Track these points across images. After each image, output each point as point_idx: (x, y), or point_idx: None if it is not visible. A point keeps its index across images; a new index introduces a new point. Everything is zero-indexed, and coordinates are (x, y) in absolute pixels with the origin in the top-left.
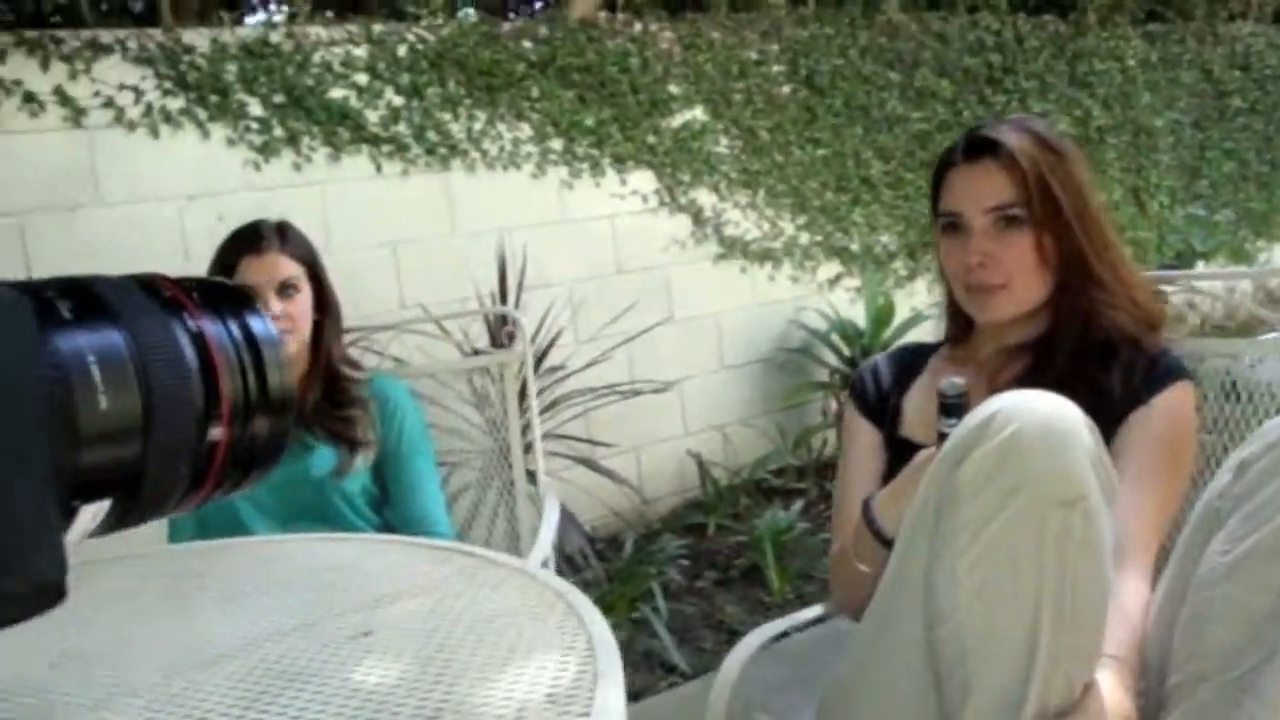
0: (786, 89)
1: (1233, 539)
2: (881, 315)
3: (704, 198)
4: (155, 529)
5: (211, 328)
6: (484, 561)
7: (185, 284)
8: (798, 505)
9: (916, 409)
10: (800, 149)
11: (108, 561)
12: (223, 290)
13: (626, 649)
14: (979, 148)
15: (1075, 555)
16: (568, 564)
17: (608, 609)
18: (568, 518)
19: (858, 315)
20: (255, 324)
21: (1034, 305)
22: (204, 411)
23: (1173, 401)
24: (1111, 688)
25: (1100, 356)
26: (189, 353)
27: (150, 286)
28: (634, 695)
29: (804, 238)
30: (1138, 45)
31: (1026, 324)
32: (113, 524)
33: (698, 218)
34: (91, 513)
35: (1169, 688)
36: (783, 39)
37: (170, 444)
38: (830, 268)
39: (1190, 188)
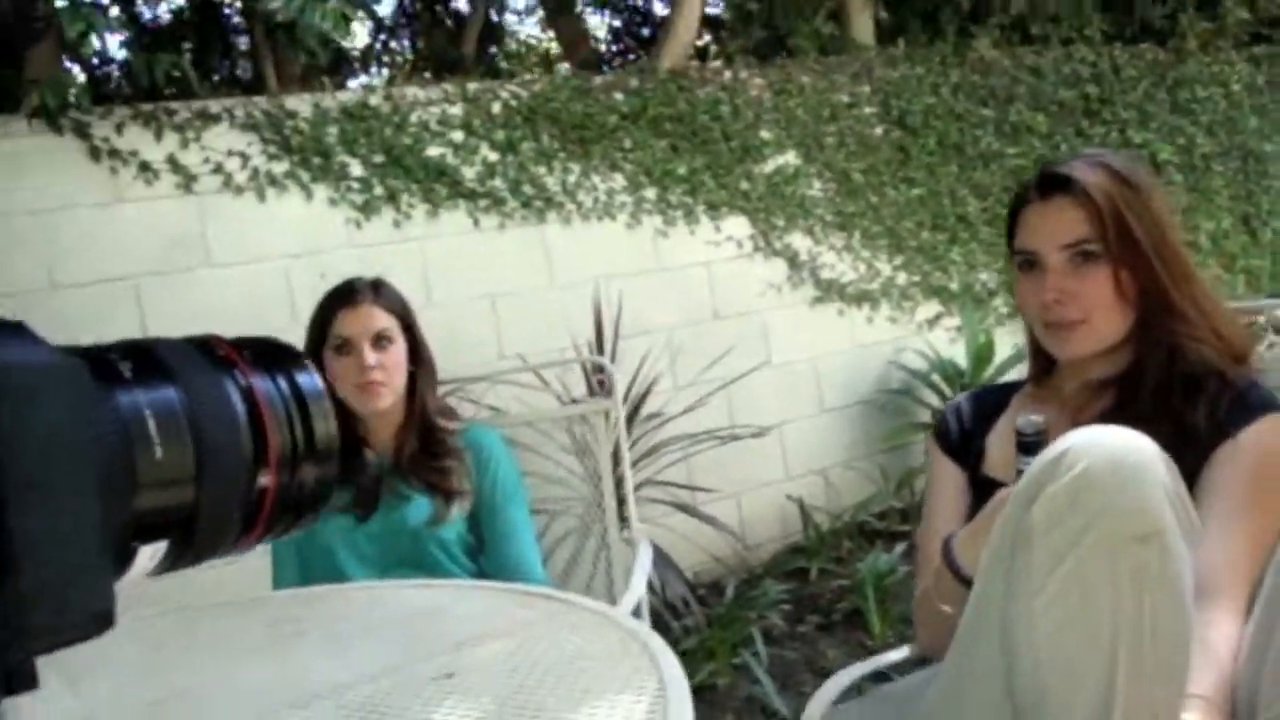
0: (879, 130)
1: None
2: (982, 354)
3: (799, 241)
4: (261, 578)
5: (261, 383)
6: (566, 605)
7: (238, 344)
8: (900, 548)
9: (999, 448)
10: (894, 189)
11: (215, 607)
12: (274, 349)
13: (728, 695)
14: (1053, 184)
15: (1152, 591)
16: (669, 610)
17: (709, 655)
18: (668, 564)
19: (958, 355)
20: (303, 380)
21: (1114, 340)
22: (253, 460)
23: (1262, 435)
24: None
25: (1185, 391)
26: (239, 406)
27: (205, 347)
28: None
29: (901, 278)
30: (1242, 69)
31: (1109, 360)
32: (171, 564)
33: (793, 261)
34: (149, 553)
35: None
36: (873, 80)
37: (221, 490)
38: (929, 308)
39: None
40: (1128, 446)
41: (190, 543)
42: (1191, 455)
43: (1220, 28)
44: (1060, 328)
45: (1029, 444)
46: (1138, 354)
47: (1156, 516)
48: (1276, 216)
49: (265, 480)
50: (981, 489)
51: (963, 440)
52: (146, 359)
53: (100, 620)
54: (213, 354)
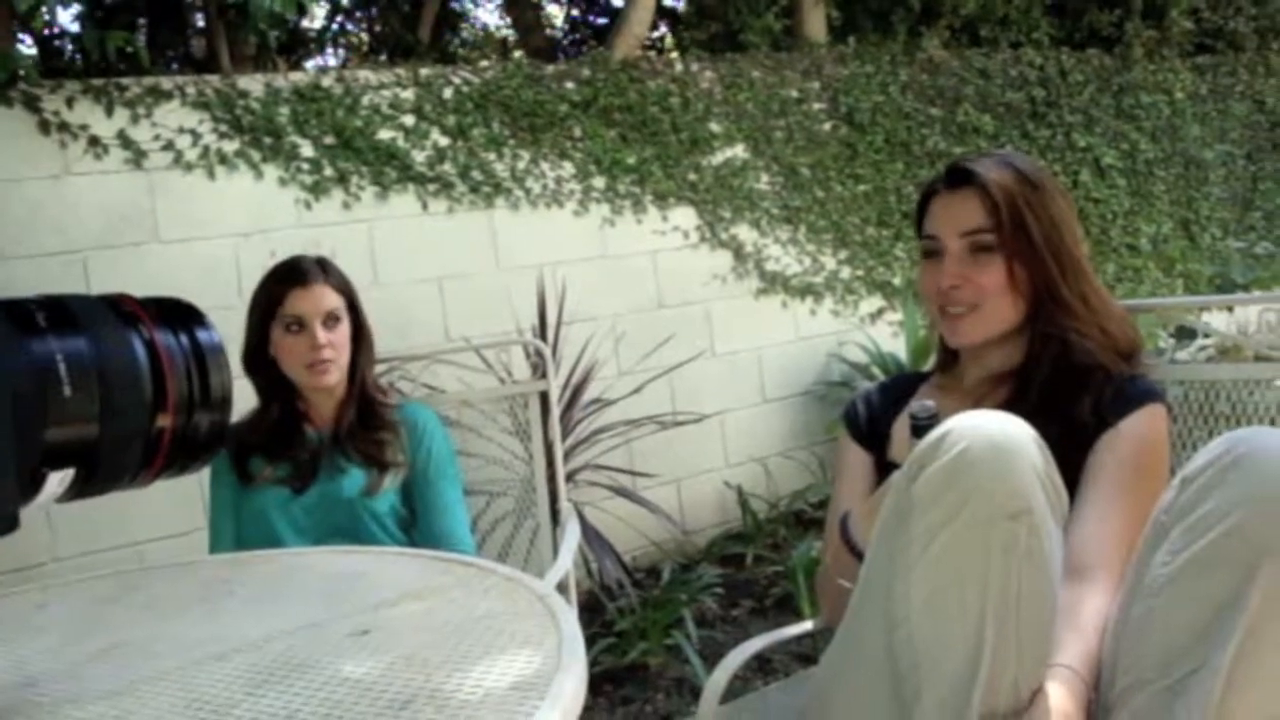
0: (827, 126)
1: (1173, 551)
2: (922, 349)
3: (745, 233)
4: (199, 546)
5: (163, 337)
6: (482, 572)
7: (145, 302)
8: None
9: (902, 435)
10: (841, 185)
11: (151, 570)
12: (179, 307)
13: (659, 675)
14: (959, 177)
15: (1020, 566)
16: (605, 592)
17: (641, 635)
18: (605, 547)
19: (900, 349)
20: (203, 336)
21: (1003, 330)
22: (153, 404)
23: (1140, 424)
24: (1060, 696)
25: (1073, 384)
26: (142, 356)
27: (114, 303)
28: (663, 719)
29: (845, 272)
30: (1186, 78)
31: (1005, 352)
32: (77, 491)
33: (739, 253)
34: (58, 479)
35: (1114, 694)
36: (823, 76)
37: (122, 428)
38: (872, 302)
39: (1243, 219)
40: (1004, 430)
41: (94, 473)
42: (1078, 444)
43: (1165, 37)
44: (954, 314)
45: (921, 428)
46: (1030, 346)
47: (1028, 496)
48: (1215, 223)
49: (164, 422)
50: (885, 473)
51: (870, 426)
52: (60, 311)
53: (6, 521)
54: (120, 309)
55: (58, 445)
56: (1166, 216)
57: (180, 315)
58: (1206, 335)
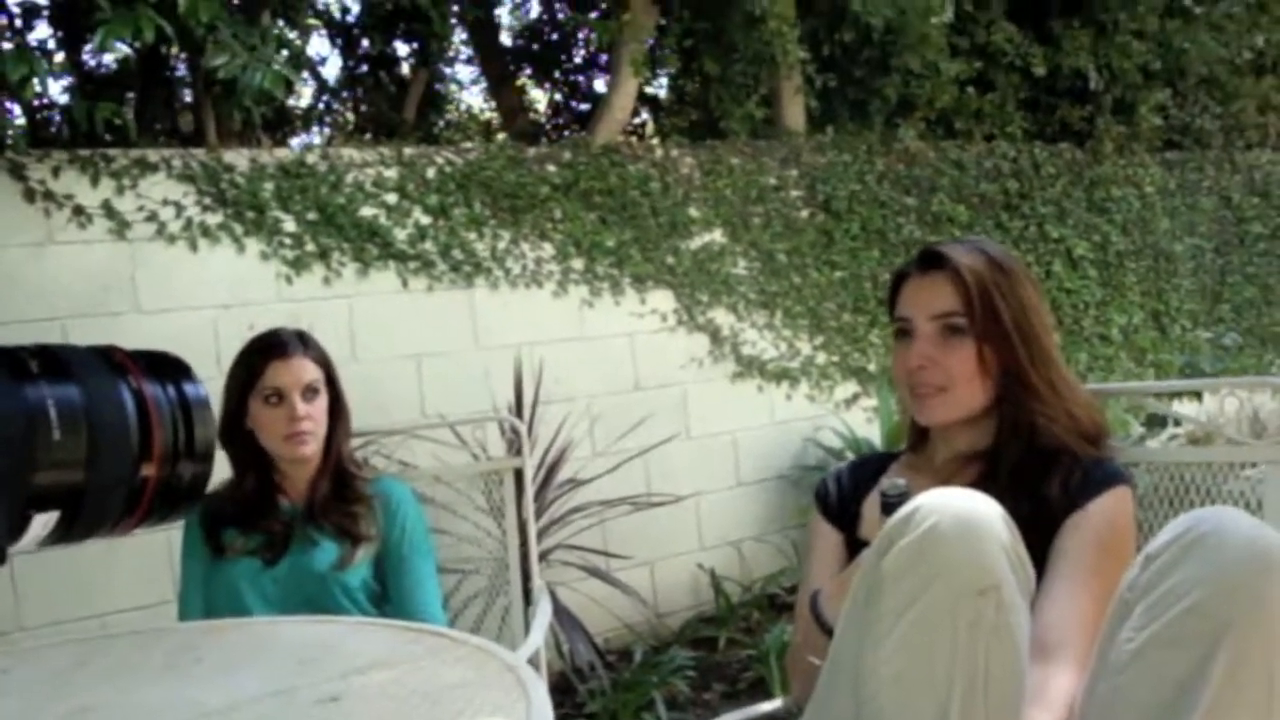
0: (805, 213)
1: (1136, 629)
2: (896, 434)
3: (722, 317)
4: (167, 614)
5: (151, 389)
6: (452, 641)
7: (135, 354)
8: None
9: (873, 513)
10: (818, 271)
11: (121, 635)
12: (167, 361)
13: None
14: (930, 261)
15: (988, 641)
16: (576, 675)
17: (612, 717)
18: (577, 629)
19: (874, 434)
20: (189, 388)
21: (971, 411)
22: (139, 453)
23: (1107, 506)
24: None
25: (1041, 466)
26: (130, 406)
27: (105, 354)
28: None
29: (821, 358)
30: (1155, 173)
31: (974, 433)
32: (60, 535)
33: (715, 337)
34: (43, 522)
35: None
36: (801, 165)
37: (108, 475)
38: (847, 387)
39: (1213, 311)
40: (972, 507)
41: (78, 517)
42: (1046, 525)
43: (1135, 132)
44: (923, 393)
45: (891, 505)
46: (999, 428)
47: (995, 572)
48: (1185, 314)
49: (148, 471)
50: (856, 551)
51: (840, 505)
52: (52, 359)
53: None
54: (111, 360)
55: (44, 488)
56: (1138, 307)
57: (168, 368)
58: (1177, 423)
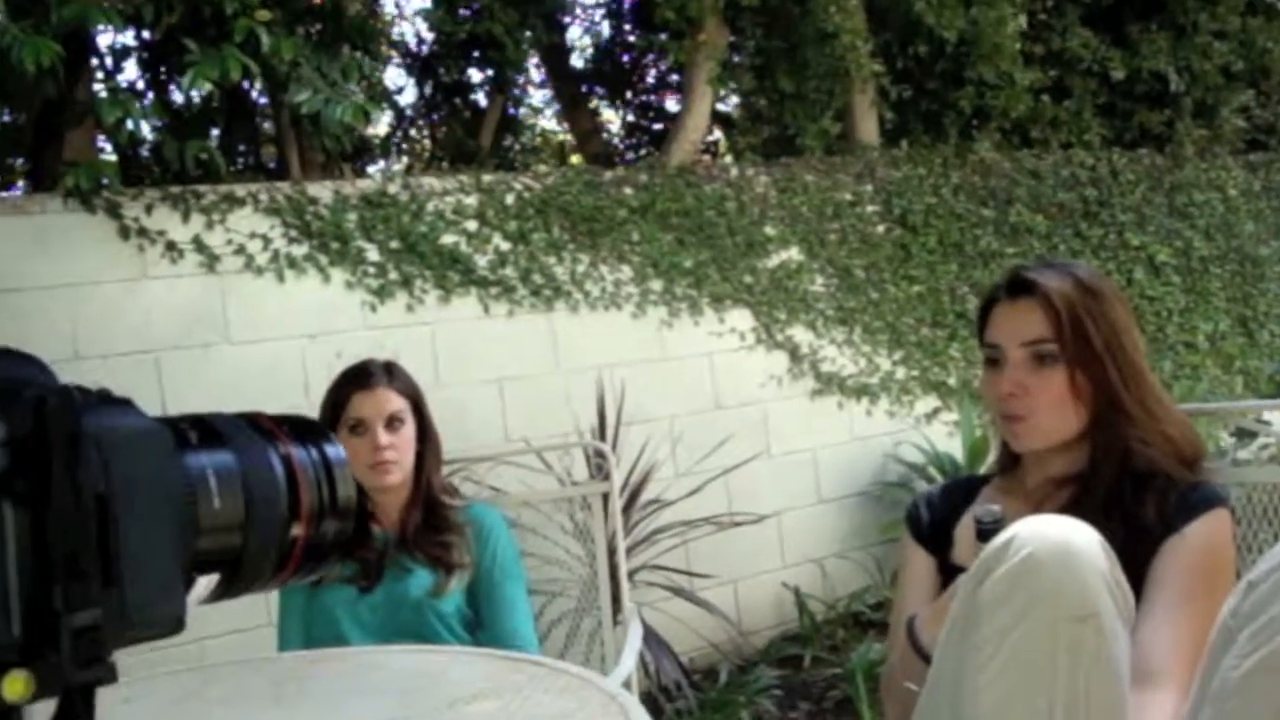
0: (881, 228)
1: (1241, 655)
2: (978, 449)
3: (800, 335)
4: (267, 643)
5: (297, 452)
6: (553, 671)
7: (279, 419)
8: None
9: (965, 536)
10: (895, 286)
11: (229, 665)
12: (308, 424)
13: None
14: (1019, 287)
15: (1088, 668)
16: (663, 694)
17: None
18: (663, 648)
19: (956, 449)
20: (330, 451)
21: (1065, 437)
22: (288, 514)
23: (1205, 529)
24: None
25: (1135, 490)
26: (279, 470)
27: (254, 421)
28: None
29: (900, 373)
30: (1239, 175)
31: (1068, 456)
32: (220, 594)
33: (794, 354)
34: (205, 583)
35: None
36: (876, 179)
37: (262, 536)
38: (927, 402)
39: None
40: (1068, 535)
41: (236, 577)
42: (1142, 549)
43: (1217, 134)
44: (1013, 420)
45: (986, 532)
46: (1093, 453)
47: (1094, 599)
48: (1273, 319)
49: (297, 531)
50: (949, 575)
51: (933, 529)
52: (208, 428)
53: (176, 623)
54: (259, 426)
55: (206, 552)
56: (1223, 313)
57: (309, 430)
58: (1267, 435)
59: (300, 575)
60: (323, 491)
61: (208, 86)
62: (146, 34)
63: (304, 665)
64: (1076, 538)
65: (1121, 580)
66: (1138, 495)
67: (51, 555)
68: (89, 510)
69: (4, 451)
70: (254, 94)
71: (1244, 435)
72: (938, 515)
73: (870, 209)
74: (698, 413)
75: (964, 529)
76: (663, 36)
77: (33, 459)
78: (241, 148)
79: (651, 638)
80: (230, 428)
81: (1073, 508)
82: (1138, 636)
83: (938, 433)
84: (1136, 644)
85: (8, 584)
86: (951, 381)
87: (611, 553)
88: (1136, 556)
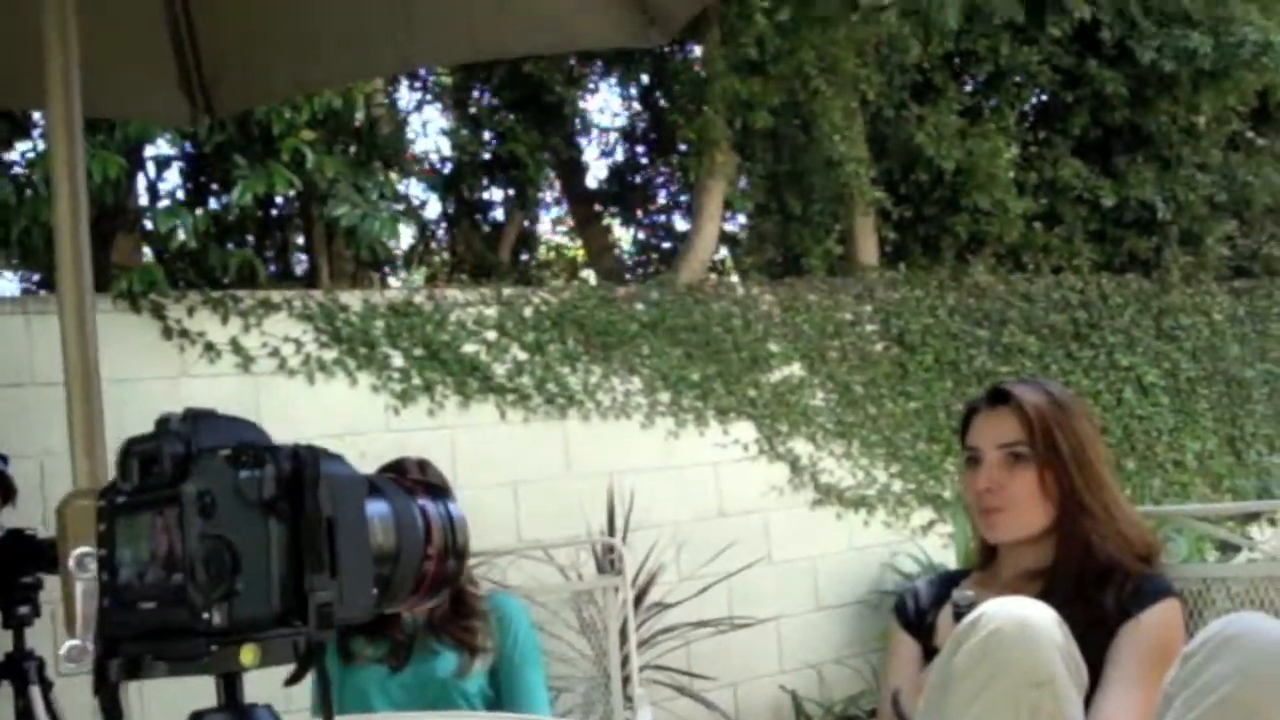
0: (879, 346)
1: (1177, 718)
2: (971, 559)
3: (801, 447)
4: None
5: (430, 504)
6: None
7: (416, 480)
8: None
9: (946, 623)
10: (893, 402)
11: None
12: (435, 485)
13: None
14: (998, 397)
15: None
16: None
17: None
18: None
19: (950, 560)
20: (451, 506)
21: (1033, 531)
22: (423, 551)
23: (1158, 616)
24: None
25: (1097, 582)
26: (419, 518)
27: (399, 480)
28: None
29: (897, 485)
30: (1224, 300)
31: (1036, 549)
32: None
33: (795, 466)
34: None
35: None
36: (875, 300)
37: (405, 568)
38: (923, 514)
39: None
40: (1027, 612)
41: (385, 594)
42: (1102, 633)
43: (1202, 261)
44: (989, 513)
45: (962, 614)
46: (1059, 547)
47: (1049, 667)
48: (1260, 439)
49: (428, 566)
50: (931, 658)
51: (919, 617)
52: (371, 484)
53: (368, 612)
54: (402, 485)
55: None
56: (1211, 433)
57: (439, 490)
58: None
59: (427, 599)
60: (447, 537)
61: (249, 197)
62: (189, 146)
63: None
64: (1034, 615)
65: (1075, 652)
66: (1098, 585)
67: (301, 555)
68: (323, 527)
69: (274, 484)
70: (287, 206)
71: (1228, 549)
72: (924, 605)
73: (869, 328)
74: (702, 519)
75: (945, 616)
76: (675, 158)
77: (289, 491)
78: (270, 254)
79: None
80: (385, 484)
81: (1042, 597)
82: (1096, 708)
83: (933, 544)
84: (1094, 715)
85: (271, 574)
86: (946, 495)
87: (623, 642)
88: (1098, 639)
